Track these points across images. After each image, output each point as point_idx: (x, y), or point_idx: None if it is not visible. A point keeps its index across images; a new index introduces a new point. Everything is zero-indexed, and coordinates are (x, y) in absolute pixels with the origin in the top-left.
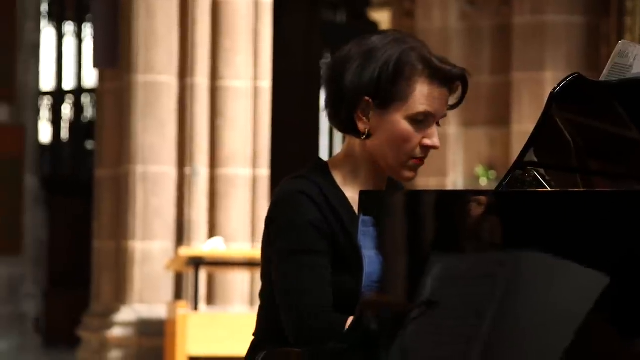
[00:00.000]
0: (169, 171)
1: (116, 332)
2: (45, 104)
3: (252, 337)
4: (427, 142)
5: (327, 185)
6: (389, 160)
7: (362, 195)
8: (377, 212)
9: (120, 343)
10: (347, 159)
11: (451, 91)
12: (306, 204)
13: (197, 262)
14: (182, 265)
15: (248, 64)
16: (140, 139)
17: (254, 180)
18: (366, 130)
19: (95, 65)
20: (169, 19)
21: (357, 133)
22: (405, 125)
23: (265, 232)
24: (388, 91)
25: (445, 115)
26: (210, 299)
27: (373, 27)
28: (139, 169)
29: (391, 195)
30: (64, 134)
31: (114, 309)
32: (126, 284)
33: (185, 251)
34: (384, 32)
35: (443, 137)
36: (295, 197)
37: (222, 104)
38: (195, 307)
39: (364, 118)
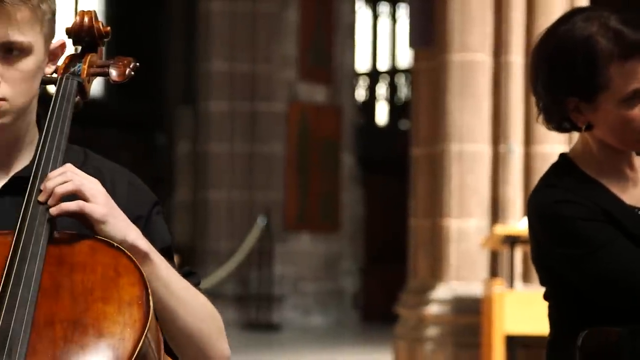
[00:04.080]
0: (483, 149)
1: (433, 309)
2: (361, 84)
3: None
4: None
5: (581, 184)
6: (621, 144)
7: None
8: None
9: (436, 320)
10: (587, 150)
11: None
12: (570, 207)
13: (512, 240)
14: (498, 243)
15: None
16: (456, 117)
17: None
18: (584, 125)
19: (411, 45)
20: None
21: (578, 129)
22: (620, 112)
23: (535, 248)
24: (588, 87)
25: None
26: (527, 277)
27: None
28: (454, 147)
29: None
30: (379, 113)
31: (430, 286)
32: (442, 261)
33: (501, 229)
34: (567, 16)
35: None
36: (557, 207)
37: None
38: (511, 285)
39: (578, 115)
